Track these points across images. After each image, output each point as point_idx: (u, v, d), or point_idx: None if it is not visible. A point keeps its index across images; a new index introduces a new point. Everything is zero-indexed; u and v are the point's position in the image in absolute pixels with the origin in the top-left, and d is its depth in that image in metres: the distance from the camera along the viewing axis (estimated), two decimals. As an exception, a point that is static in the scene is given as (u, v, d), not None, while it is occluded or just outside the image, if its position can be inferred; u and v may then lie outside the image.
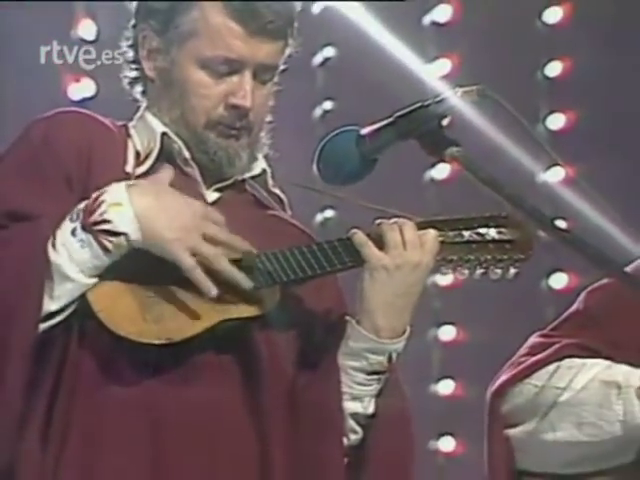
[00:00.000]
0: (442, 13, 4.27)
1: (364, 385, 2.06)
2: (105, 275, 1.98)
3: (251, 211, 2.17)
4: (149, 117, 2.15)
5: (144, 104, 2.16)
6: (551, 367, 2.29)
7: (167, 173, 2.06)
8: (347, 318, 2.08)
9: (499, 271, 2.08)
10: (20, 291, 1.96)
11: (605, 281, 2.33)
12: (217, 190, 2.13)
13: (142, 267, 1.99)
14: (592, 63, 4.30)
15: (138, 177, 2.08)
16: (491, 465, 2.32)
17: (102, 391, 1.98)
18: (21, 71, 4.06)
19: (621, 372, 2.27)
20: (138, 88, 2.15)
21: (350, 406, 2.07)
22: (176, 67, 2.10)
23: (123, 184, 2.00)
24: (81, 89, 4.04)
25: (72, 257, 1.96)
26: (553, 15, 4.35)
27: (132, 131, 2.15)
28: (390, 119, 1.97)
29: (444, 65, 4.20)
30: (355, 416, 2.07)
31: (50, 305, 1.93)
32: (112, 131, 2.14)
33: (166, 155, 2.10)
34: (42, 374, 1.97)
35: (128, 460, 1.97)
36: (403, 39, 4.12)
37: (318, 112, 4.20)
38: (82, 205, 1.96)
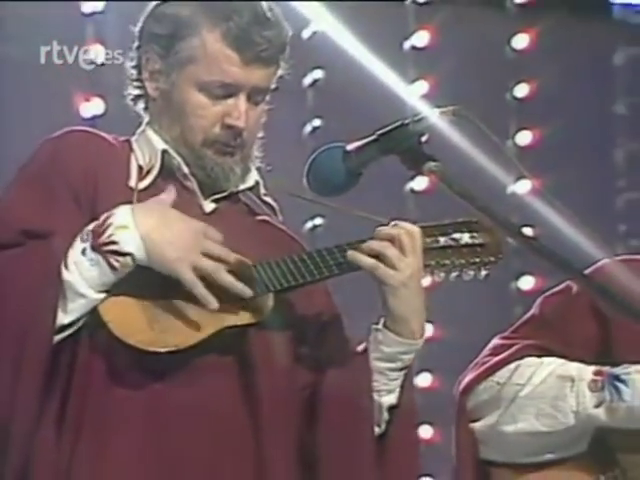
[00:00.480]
0: (420, 39, 4.34)
1: (397, 379, 2.10)
2: (114, 288, 2.01)
3: (245, 219, 2.17)
4: (150, 133, 2.16)
5: (146, 119, 2.18)
6: (512, 366, 2.31)
7: (170, 194, 2.07)
8: (375, 327, 2.08)
9: (472, 272, 2.10)
10: (35, 306, 1.98)
11: (558, 288, 2.39)
12: (214, 201, 2.14)
13: (148, 281, 2.00)
14: (555, 85, 4.37)
15: (141, 191, 2.09)
16: (458, 456, 2.35)
17: (111, 392, 2.00)
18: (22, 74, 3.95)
19: (575, 368, 2.29)
20: (140, 104, 2.16)
21: (386, 399, 2.09)
22: (176, 89, 2.11)
23: (129, 207, 2.02)
24: (91, 107, 3.92)
25: (82, 275, 1.97)
26: (520, 41, 4.46)
27: (135, 145, 2.16)
28: (373, 136, 1.96)
29: (422, 86, 4.28)
30: (389, 407, 2.12)
31: (63, 319, 1.96)
32: (116, 147, 2.15)
33: (167, 170, 2.11)
34: (54, 378, 1.99)
35: (135, 455, 1.99)
36: (385, 62, 4.14)
37: (308, 128, 4.25)
38: (91, 226, 1.99)
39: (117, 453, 1.98)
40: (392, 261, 2.00)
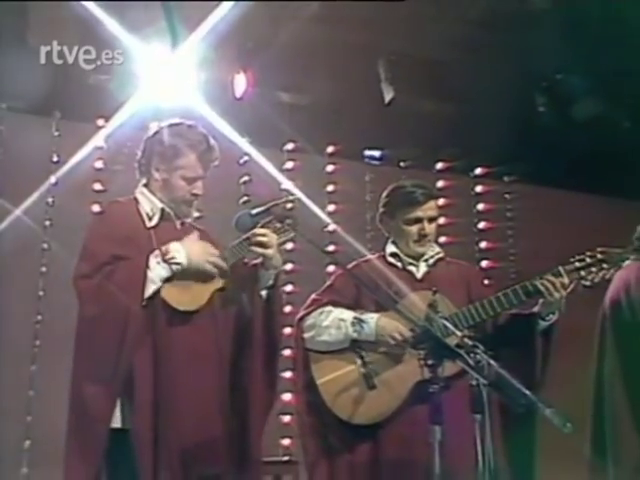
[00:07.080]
0: (290, 165, 5.96)
1: (271, 279, 3.13)
2: (166, 282, 2.93)
3: (191, 229, 3.19)
4: (148, 194, 3.13)
5: (143, 183, 3.12)
6: (319, 310, 3.50)
7: (195, 235, 3.01)
8: (258, 269, 3.03)
9: (292, 235, 3.05)
10: (134, 287, 2.88)
11: (340, 271, 3.62)
12: (181, 224, 3.20)
13: (179, 278, 2.96)
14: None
15: (151, 228, 3.02)
16: (295, 343, 3.50)
17: (169, 331, 2.93)
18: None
19: (346, 314, 3.44)
20: (140, 175, 3.10)
21: (266, 286, 3.14)
22: (171, 178, 3.12)
23: (178, 242, 2.93)
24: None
25: (155, 273, 2.92)
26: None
27: (140, 199, 3.12)
28: (265, 207, 2.96)
29: (292, 185, 5.58)
30: (271, 289, 3.11)
31: (145, 294, 2.92)
32: (131, 203, 3.08)
33: (164, 216, 3.11)
34: (147, 323, 2.89)
35: (180, 348, 2.91)
36: (276, 173, 5.60)
37: (240, 201, 5.70)
38: (158, 251, 2.93)
39: (175, 350, 2.93)
40: (268, 246, 3.02)
